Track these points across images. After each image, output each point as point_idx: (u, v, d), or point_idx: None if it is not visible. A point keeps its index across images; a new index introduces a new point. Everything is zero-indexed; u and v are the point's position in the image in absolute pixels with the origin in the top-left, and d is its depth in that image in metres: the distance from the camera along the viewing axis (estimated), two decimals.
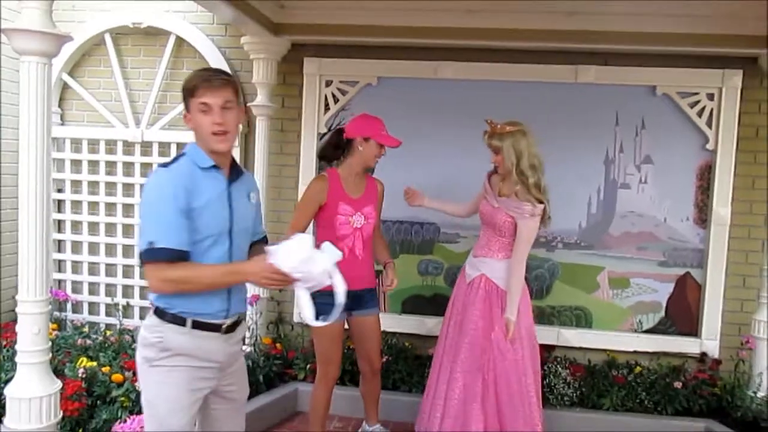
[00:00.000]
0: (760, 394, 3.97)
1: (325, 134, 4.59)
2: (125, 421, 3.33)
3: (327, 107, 4.60)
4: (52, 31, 2.24)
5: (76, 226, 4.89)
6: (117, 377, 3.63)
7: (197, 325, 2.15)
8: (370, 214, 3.39)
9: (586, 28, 4.01)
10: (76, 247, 4.90)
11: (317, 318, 3.33)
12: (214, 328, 2.18)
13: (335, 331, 3.34)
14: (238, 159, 4.52)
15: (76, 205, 4.86)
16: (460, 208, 3.80)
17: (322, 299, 3.27)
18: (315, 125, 4.58)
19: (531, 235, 3.33)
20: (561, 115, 4.40)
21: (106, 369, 3.71)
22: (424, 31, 4.19)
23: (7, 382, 3.47)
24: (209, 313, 2.16)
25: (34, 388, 2.28)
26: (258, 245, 2.38)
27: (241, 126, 2.26)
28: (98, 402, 3.49)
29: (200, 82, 2.09)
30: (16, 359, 2.32)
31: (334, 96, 4.59)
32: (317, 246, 2.08)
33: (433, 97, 4.48)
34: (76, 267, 4.93)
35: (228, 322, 2.21)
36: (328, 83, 4.59)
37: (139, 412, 3.38)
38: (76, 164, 4.85)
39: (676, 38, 4.03)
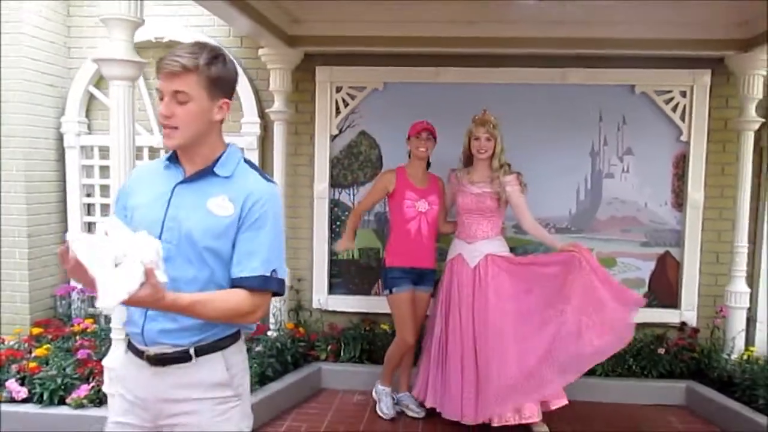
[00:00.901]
0: (733, 357, 4.49)
1: (336, 136, 5.03)
2: None
3: (338, 111, 5.02)
4: (136, 59, 2.63)
5: None
6: None
7: (129, 344, 1.89)
8: (434, 201, 4.05)
9: (573, 35, 4.45)
10: None
11: (390, 290, 3.90)
12: (138, 352, 1.84)
13: (407, 300, 4.03)
14: (256, 161, 4.95)
15: (105, 208, 5.20)
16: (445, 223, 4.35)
17: (394, 273, 4.01)
18: (327, 128, 5.00)
19: (523, 199, 3.99)
20: (551, 113, 4.87)
21: None
22: (425, 41, 4.60)
23: (65, 368, 3.92)
24: (130, 333, 1.88)
25: None
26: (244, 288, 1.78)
27: (200, 121, 1.79)
28: None
29: (158, 63, 1.79)
30: (111, 335, 2.72)
31: (344, 101, 5.02)
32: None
33: (434, 100, 4.89)
34: None
35: (150, 351, 1.80)
36: (339, 89, 5.01)
37: None
38: (104, 170, 5.19)
39: (653, 43, 4.50)
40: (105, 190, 5.19)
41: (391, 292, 4.07)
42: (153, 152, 5.16)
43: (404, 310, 4.05)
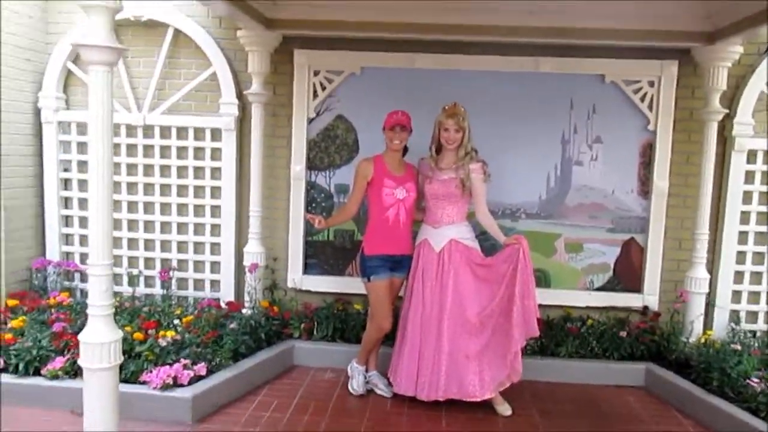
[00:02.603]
0: (691, 340, 4.68)
1: (313, 119, 5.10)
2: (151, 371, 3.86)
3: (315, 94, 5.08)
4: (115, 45, 2.67)
5: (82, 203, 5.29)
6: (138, 335, 4.14)
7: None
8: (411, 188, 4.15)
9: (545, 25, 4.54)
10: (84, 222, 5.29)
11: (369, 278, 4.14)
12: None
13: (384, 287, 4.16)
14: (233, 143, 5.02)
15: (83, 183, 5.23)
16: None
17: (373, 262, 4.13)
18: (305, 111, 5.07)
19: (483, 188, 4.12)
20: (523, 100, 4.98)
21: (128, 328, 4.18)
22: (401, 26, 4.66)
23: (40, 340, 4.00)
24: None
25: (103, 335, 2.77)
26: None
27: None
28: (125, 356, 3.93)
29: None
30: (87, 311, 2.79)
31: (321, 84, 5.08)
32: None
33: (410, 85, 4.98)
34: (83, 240, 5.33)
35: None
36: (316, 73, 5.07)
37: (163, 364, 3.92)
38: (82, 146, 5.22)
39: (622, 33, 4.59)
40: (83, 165, 5.22)
41: (369, 279, 4.17)
42: (130, 129, 5.20)
43: (381, 297, 4.17)
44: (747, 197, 4.95)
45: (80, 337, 2.79)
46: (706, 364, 4.31)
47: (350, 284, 5.03)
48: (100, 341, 2.76)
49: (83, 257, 5.28)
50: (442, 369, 4.01)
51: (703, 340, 4.65)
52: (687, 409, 4.21)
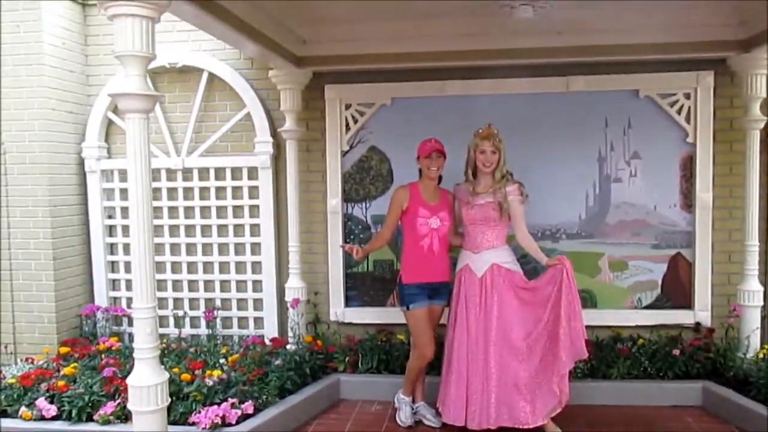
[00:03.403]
0: (749, 355, 4.51)
1: (347, 152, 5.15)
2: (199, 412, 3.87)
3: (348, 128, 5.14)
4: (150, 93, 2.75)
5: (127, 248, 5.38)
6: (186, 376, 4.16)
7: None
8: (445, 218, 4.14)
9: (574, 44, 4.53)
10: (129, 267, 5.35)
11: (407, 306, 4.10)
12: None
13: (423, 315, 4.13)
14: (270, 181, 5.09)
15: (127, 229, 5.32)
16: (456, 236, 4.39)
17: (411, 290, 4.09)
18: (338, 144, 5.12)
19: (521, 210, 4.08)
20: (556, 121, 4.94)
21: (175, 370, 4.23)
22: (429, 55, 4.70)
23: (92, 386, 4.06)
24: None
25: (149, 377, 2.81)
26: None
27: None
28: (173, 398, 3.98)
29: None
30: (134, 355, 2.84)
31: (353, 117, 5.14)
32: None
33: (442, 112, 5.00)
34: (130, 285, 5.41)
35: None
36: (348, 106, 5.13)
37: (211, 404, 3.93)
38: (124, 192, 5.33)
39: (654, 47, 4.55)
40: (126, 211, 5.31)
41: (408, 308, 4.15)
42: (170, 173, 5.32)
43: (422, 325, 4.14)
44: None
45: (128, 380, 2.83)
46: (766, 380, 4.14)
47: (392, 315, 4.98)
48: (147, 384, 2.80)
49: (130, 302, 5.34)
50: (491, 397, 3.94)
51: (761, 355, 4.48)
52: (748, 427, 4.04)
